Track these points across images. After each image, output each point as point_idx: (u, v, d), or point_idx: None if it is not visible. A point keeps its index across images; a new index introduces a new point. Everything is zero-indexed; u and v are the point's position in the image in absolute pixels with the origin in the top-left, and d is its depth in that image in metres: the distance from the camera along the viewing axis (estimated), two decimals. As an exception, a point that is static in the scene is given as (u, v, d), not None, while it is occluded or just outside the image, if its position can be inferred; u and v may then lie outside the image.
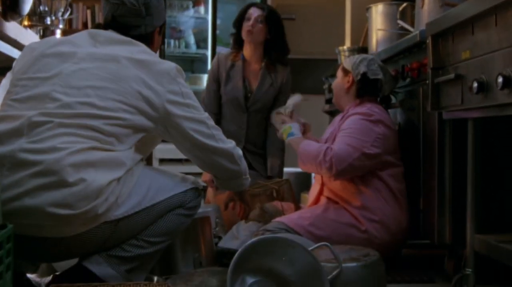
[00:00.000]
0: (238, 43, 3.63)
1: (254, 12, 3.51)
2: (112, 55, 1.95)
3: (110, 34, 2.06)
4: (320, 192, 2.93)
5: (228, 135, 3.50)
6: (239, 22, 3.59)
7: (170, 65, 2.02)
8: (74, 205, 1.70)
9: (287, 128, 2.97)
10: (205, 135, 2.07)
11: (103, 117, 1.83)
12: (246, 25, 3.50)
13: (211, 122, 2.12)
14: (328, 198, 2.86)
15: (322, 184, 2.91)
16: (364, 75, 2.88)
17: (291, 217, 2.76)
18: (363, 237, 2.65)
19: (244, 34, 3.53)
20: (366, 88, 2.92)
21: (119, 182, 1.83)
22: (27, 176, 1.69)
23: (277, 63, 3.61)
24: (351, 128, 2.74)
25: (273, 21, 3.52)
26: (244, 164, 2.26)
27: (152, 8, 2.11)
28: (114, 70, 1.91)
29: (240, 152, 2.24)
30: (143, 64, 1.96)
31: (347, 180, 2.76)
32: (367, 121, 2.75)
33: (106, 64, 1.92)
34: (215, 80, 3.65)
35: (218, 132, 2.14)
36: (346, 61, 3.01)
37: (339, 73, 3.03)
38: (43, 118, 1.77)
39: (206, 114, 2.12)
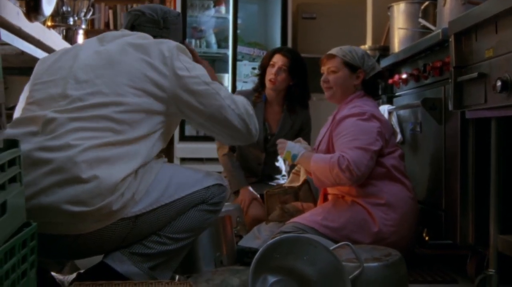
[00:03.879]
0: (262, 85, 3.62)
1: (279, 60, 3.49)
2: (115, 47, 2.00)
3: (115, 32, 2.15)
4: (325, 190, 2.93)
5: (245, 168, 3.57)
6: (264, 66, 3.59)
7: (170, 44, 2.05)
8: (88, 202, 1.73)
9: (286, 154, 2.90)
10: (216, 107, 2.04)
11: (113, 104, 1.86)
12: (270, 73, 3.50)
13: (224, 93, 2.07)
14: (334, 194, 2.86)
15: None
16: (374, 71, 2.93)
17: (304, 216, 2.77)
18: (375, 222, 2.64)
19: (267, 82, 3.53)
20: (373, 84, 2.98)
21: (136, 177, 1.85)
22: (42, 175, 1.73)
23: (298, 105, 3.61)
24: (352, 131, 2.71)
25: (296, 69, 3.51)
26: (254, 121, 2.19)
27: (169, 22, 2.22)
28: (118, 57, 1.96)
29: (251, 110, 2.16)
30: (143, 47, 2.00)
31: None
32: (362, 120, 2.73)
33: (110, 54, 1.98)
34: None
35: (230, 99, 2.08)
36: (347, 56, 2.91)
37: (343, 69, 2.91)
38: (56, 115, 1.82)
39: (217, 84, 2.08)
